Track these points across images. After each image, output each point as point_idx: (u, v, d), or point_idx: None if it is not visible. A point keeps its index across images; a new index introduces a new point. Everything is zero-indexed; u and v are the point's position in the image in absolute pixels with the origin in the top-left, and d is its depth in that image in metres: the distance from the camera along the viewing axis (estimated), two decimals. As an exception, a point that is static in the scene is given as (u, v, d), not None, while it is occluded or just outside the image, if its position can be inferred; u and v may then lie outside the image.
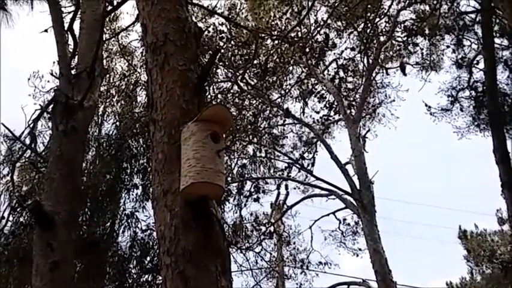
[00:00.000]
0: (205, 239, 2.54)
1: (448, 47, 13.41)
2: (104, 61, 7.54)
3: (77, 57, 6.10)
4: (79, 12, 6.95)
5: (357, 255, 14.88)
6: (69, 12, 8.26)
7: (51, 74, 5.89)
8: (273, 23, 14.16)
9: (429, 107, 13.56)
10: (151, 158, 2.82)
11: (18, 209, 7.97)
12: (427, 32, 14.25)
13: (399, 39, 15.16)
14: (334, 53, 15.25)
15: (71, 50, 6.15)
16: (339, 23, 15.36)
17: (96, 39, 5.91)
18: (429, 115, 13.69)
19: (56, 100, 5.46)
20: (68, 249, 4.87)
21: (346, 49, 15.11)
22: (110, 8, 7.20)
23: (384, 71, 15.54)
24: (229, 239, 11.99)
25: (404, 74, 13.67)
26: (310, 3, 12.75)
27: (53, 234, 4.78)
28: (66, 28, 6.63)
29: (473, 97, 12.84)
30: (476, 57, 12.42)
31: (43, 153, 7.37)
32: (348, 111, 14.77)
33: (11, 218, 8.04)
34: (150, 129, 2.87)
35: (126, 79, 10.53)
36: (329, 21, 14.75)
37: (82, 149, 5.58)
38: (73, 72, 5.96)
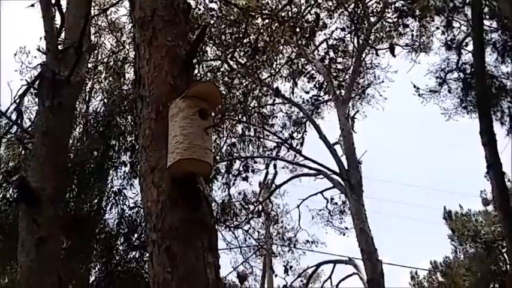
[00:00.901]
0: (192, 215, 2.54)
1: (437, 28, 13.39)
2: (92, 37, 7.42)
3: (64, 32, 6.00)
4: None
5: (344, 234, 15.06)
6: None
7: (38, 50, 5.81)
8: (263, 1, 14.03)
9: (417, 88, 13.61)
10: (139, 135, 2.81)
11: (3, 185, 7.90)
12: (417, 13, 14.22)
13: (390, 20, 15.10)
14: (325, 34, 15.20)
15: (58, 26, 6.02)
16: (330, 3, 15.25)
17: (83, 13, 5.84)
18: (417, 96, 13.74)
19: (43, 75, 5.38)
20: (54, 226, 4.85)
21: (336, 29, 15.05)
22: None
23: (374, 52, 15.52)
24: (217, 217, 12.03)
25: (394, 55, 13.66)
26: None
27: (39, 210, 4.76)
28: (53, 2, 6.51)
29: (461, 79, 12.88)
30: (465, 39, 12.43)
31: (29, 129, 7.28)
32: (338, 92, 14.77)
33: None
34: (138, 105, 2.84)
35: (114, 56, 10.39)
36: (320, 0, 14.65)
37: (69, 125, 5.53)
38: (60, 48, 5.85)
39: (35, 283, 4.51)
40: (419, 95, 13.69)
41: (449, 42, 12.70)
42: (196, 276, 2.40)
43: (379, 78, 15.46)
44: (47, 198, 4.84)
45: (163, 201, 2.56)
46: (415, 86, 13.59)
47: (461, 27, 12.66)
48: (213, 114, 2.61)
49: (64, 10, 6.07)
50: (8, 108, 7.41)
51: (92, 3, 6.67)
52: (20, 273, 4.59)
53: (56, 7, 6.49)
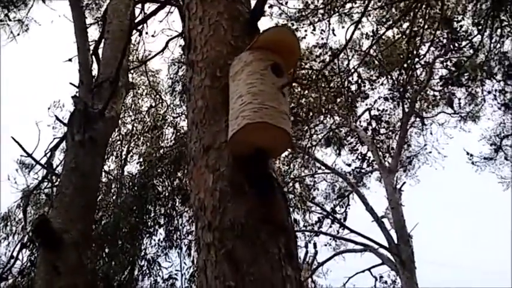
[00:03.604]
0: (263, 208, 1.78)
1: (489, 92, 12.69)
2: (130, 78, 6.99)
3: (99, 67, 5.53)
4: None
5: (396, 316, 13.66)
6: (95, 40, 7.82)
7: (71, 84, 5.32)
8: (302, 72, 13.68)
9: (471, 155, 12.72)
10: (188, 109, 2.11)
11: (29, 246, 7.20)
12: (463, 81, 13.63)
13: (435, 88, 14.55)
14: (366, 104, 14.69)
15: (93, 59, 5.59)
16: (372, 72, 14.89)
17: (120, 48, 5.37)
18: (471, 164, 12.83)
19: (74, 108, 4.84)
20: (78, 275, 4.07)
21: (379, 98, 14.53)
22: (138, 19, 6.70)
23: (420, 120, 14.88)
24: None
25: (453, 109, 12.94)
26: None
27: (61, 255, 4.01)
28: (91, 52, 6.13)
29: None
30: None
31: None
32: (383, 161, 14.02)
33: (20, 257, 7.26)
34: (187, 74, 2.17)
35: (152, 112, 9.97)
36: (361, 70, 14.22)
37: (100, 163, 4.88)
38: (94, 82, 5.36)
39: None
40: (472, 163, 12.78)
41: (504, 106, 11.92)
42: (271, 294, 1.62)
43: (426, 148, 14.72)
44: (71, 242, 4.10)
45: (222, 188, 1.81)
46: (468, 153, 12.72)
47: (516, 90, 11.90)
48: (289, 71, 1.91)
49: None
50: (39, 160, 6.91)
51: (131, 37, 6.23)
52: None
53: (93, 56, 6.13)
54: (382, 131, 15.07)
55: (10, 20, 7.82)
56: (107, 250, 8.89)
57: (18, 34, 8.15)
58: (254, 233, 1.72)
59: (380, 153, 14.41)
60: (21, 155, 7.49)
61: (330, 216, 14.01)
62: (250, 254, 1.68)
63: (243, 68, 1.87)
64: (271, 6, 11.50)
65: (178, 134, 9.95)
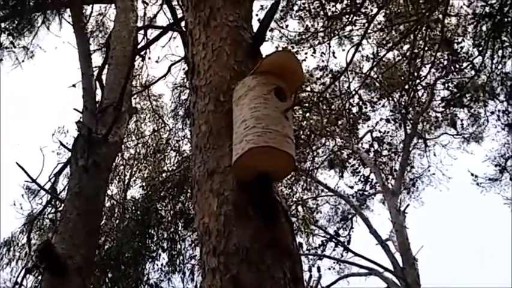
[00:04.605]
0: (268, 232, 1.77)
1: (492, 113, 12.68)
2: (133, 102, 7.02)
3: (103, 92, 5.57)
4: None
5: None
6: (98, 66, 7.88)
7: (75, 109, 5.35)
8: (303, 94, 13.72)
9: (475, 176, 12.66)
10: (192, 134, 2.12)
11: (34, 272, 7.15)
12: (465, 101, 13.64)
13: (437, 109, 14.55)
14: (368, 126, 14.69)
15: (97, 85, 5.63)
16: (373, 94, 14.92)
17: (124, 73, 5.42)
18: (476, 185, 12.77)
19: (78, 133, 4.86)
20: (82, 301, 4.05)
21: (380, 120, 14.52)
22: (141, 44, 6.75)
23: (423, 142, 14.86)
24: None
25: (456, 129, 12.92)
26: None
27: (65, 281, 3.99)
28: (95, 77, 6.18)
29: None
30: (525, 121, 11.66)
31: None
32: (387, 183, 13.96)
33: (25, 282, 7.20)
34: (190, 99, 2.19)
35: (155, 133, 9.99)
36: (362, 92, 14.24)
37: (104, 188, 4.89)
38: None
39: None
40: (477, 184, 12.72)
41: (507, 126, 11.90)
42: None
43: (429, 170, 14.66)
44: (75, 267, 4.09)
45: (227, 213, 1.81)
46: (472, 174, 12.66)
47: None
48: (292, 95, 1.93)
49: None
50: (43, 186, 6.91)
51: (134, 63, 6.28)
52: None
53: (97, 81, 6.18)
54: (385, 152, 15.02)
55: (15, 47, 7.91)
56: (110, 275, 8.83)
57: (23, 61, 8.22)
58: (259, 257, 1.72)
59: (383, 175, 14.35)
60: (25, 181, 7.49)
61: (334, 240, 13.90)
62: (255, 279, 1.68)
63: (246, 92, 1.88)
64: (271, 30, 11.60)
65: (180, 157, 9.96)
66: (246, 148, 1.76)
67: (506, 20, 9.28)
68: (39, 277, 7.05)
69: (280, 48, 11.13)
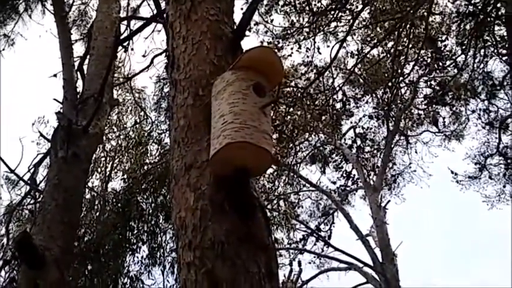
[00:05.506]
0: (244, 227, 1.78)
1: (473, 111, 12.81)
2: (115, 94, 6.95)
3: (84, 83, 5.51)
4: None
5: (380, 336, 13.56)
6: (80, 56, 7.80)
7: (55, 99, 5.29)
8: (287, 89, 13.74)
9: (455, 174, 12.79)
10: (170, 128, 2.12)
11: (12, 263, 7.07)
12: (448, 100, 13.76)
13: (420, 107, 14.67)
14: (351, 122, 14.76)
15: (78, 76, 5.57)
16: (357, 90, 14.99)
17: (105, 65, 5.37)
18: (456, 183, 12.90)
19: (58, 124, 4.81)
20: (60, 293, 4.02)
21: (364, 116, 14.60)
22: (124, 35, 6.69)
23: (405, 139, 14.98)
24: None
25: (437, 128, 13.03)
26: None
27: (42, 273, 3.96)
28: (76, 68, 6.11)
29: (503, 164, 12.08)
30: (505, 121, 11.79)
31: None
32: (368, 179, 14.05)
33: (2, 273, 7.13)
34: (170, 93, 2.18)
35: (137, 129, 9.93)
36: (346, 88, 14.28)
37: (83, 179, 4.85)
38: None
39: None
40: (457, 181, 12.85)
41: (488, 125, 12.04)
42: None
43: (411, 167, 14.78)
44: (53, 259, 4.05)
45: (203, 207, 1.81)
46: (452, 172, 12.79)
47: (499, 110, 12.03)
48: (271, 91, 1.93)
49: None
50: (23, 176, 6.85)
51: (116, 54, 6.22)
52: None
53: (78, 72, 6.12)
54: (367, 149, 15.11)
55: (-4, 35, 7.81)
56: (89, 267, 8.78)
57: (4, 49, 8.12)
58: (234, 252, 1.72)
59: (365, 171, 14.43)
60: (5, 171, 7.41)
61: (315, 234, 13.99)
62: (230, 274, 1.68)
63: (225, 87, 1.88)
64: (257, 24, 11.59)
65: (162, 150, 9.91)
66: (223, 143, 1.76)
67: (488, 19, 9.36)
68: (16, 268, 7.00)
69: (265, 43, 11.13)
